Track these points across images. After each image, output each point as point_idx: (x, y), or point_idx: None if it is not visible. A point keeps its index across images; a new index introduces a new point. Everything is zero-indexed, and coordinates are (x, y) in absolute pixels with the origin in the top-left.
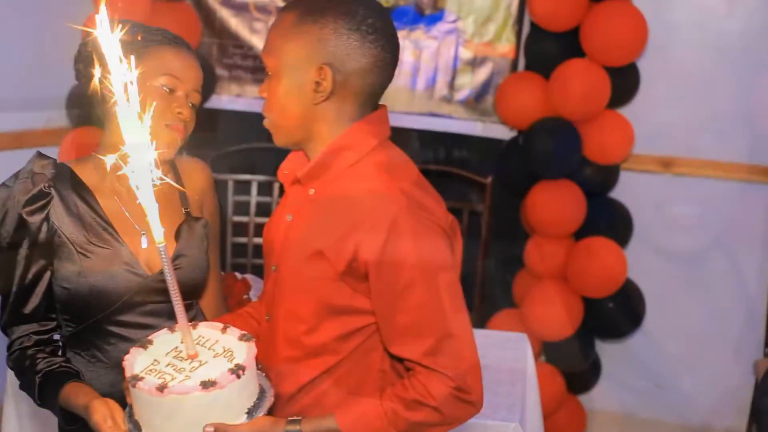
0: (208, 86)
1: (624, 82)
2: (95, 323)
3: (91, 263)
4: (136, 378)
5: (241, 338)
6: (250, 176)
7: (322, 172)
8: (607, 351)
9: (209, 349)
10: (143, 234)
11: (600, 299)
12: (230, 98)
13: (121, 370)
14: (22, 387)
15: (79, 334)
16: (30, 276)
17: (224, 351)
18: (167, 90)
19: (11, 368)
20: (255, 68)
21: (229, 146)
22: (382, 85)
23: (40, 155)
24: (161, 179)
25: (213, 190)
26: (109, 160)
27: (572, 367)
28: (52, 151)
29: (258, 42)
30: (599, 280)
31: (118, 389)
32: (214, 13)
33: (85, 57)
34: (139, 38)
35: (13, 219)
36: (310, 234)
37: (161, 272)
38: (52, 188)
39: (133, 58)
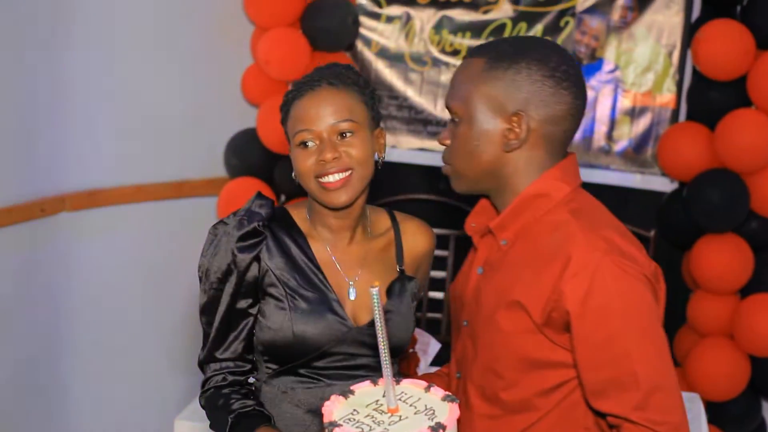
0: None
1: None
2: (293, 367)
3: (299, 307)
4: (334, 424)
5: (445, 398)
6: None
7: (514, 221)
8: None
9: (410, 405)
10: (351, 285)
11: None
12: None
13: (310, 414)
14: (212, 426)
15: (275, 376)
16: (235, 314)
17: (426, 409)
18: (304, 146)
19: (203, 407)
20: (410, 119)
21: (384, 197)
22: (572, 133)
23: (259, 195)
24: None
25: (432, 254)
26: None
27: (738, 429)
28: (210, 201)
29: (413, 93)
30: (767, 339)
31: (314, 428)
32: (370, 64)
33: None
34: (289, 98)
35: (226, 254)
36: (506, 285)
37: (367, 325)
38: (266, 228)
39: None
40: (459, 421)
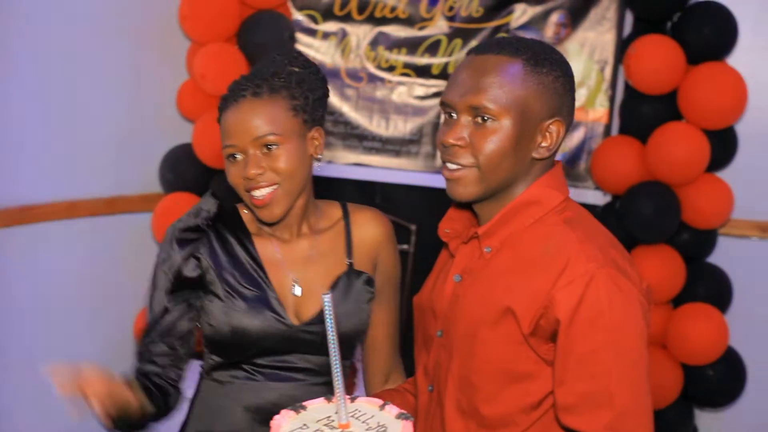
0: None
1: (723, 146)
2: (235, 362)
3: (237, 304)
4: None
5: (399, 416)
6: None
7: (503, 228)
8: (706, 420)
9: (363, 422)
10: (295, 282)
11: (700, 367)
12: (321, 165)
13: (243, 409)
14: None
15: (218, 368)
16: (171, 308)
17: (378, 426)
18: (232, 159)
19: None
20: (346, 134)
21: None
22: None
23: (212, 195)
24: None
25: (390, 242)
26: None
27: None
28: (145, 217)
29: (348, 109)
30: (699, 347)
31: (247, 427)
32: None
33: None
34: (219, 107)
35: (169, 249)
36: (491, 293)
37: (307, 323)
38: (210, 227)
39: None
40: None
